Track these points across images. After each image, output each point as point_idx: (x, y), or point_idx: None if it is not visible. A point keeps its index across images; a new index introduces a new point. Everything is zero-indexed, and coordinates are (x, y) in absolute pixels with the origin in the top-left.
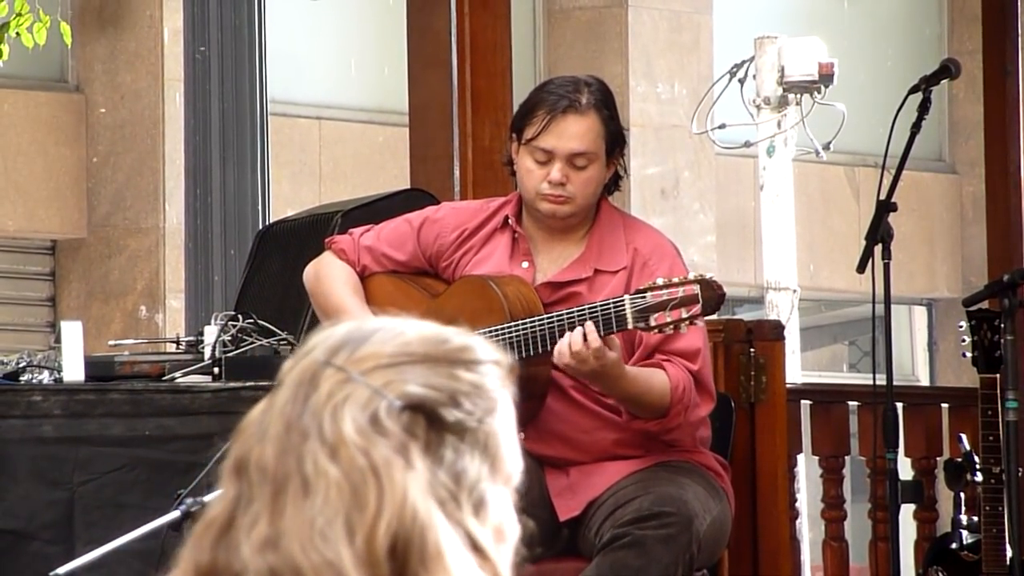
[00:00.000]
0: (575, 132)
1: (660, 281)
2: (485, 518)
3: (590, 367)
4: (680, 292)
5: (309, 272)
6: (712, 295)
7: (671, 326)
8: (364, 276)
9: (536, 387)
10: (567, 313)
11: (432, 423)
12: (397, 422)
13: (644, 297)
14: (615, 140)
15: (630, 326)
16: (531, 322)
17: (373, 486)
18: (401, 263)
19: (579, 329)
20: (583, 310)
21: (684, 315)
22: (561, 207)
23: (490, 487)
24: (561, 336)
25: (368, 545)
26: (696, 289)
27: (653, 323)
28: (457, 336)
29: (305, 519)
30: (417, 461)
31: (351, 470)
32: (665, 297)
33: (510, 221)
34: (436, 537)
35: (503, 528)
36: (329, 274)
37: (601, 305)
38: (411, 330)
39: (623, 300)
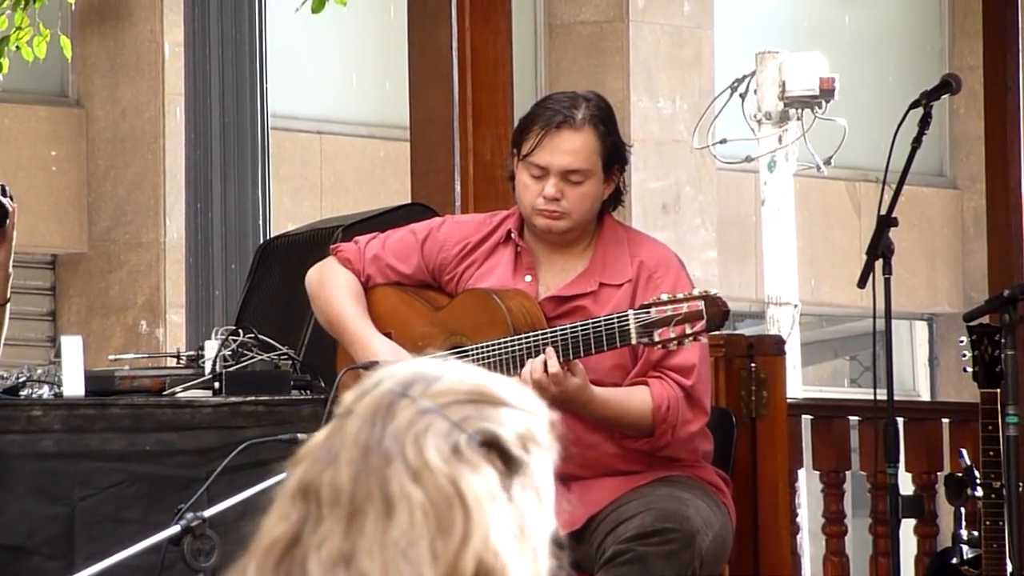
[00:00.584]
0: (568, 148)
1: (664, 296)
2: (540, 562)
3: (551, 394)
4: (684, 308)
5: (312, 276)
6: (716, 311)
7: (675, 342)
8: (368, 286)
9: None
10: (570, 327)
11: (505, 461)
12: (477, 454)
13: (648, 312)
14: (613, 156)
15: (633, 341)
16: (534, 336)
17: (460, 512)
18: (405, 275)
19: (541, 356)
20: (586, 324)
21: (688, 331)
22: (556, 222)
23: (541, 533)
24: (563, 350)
25: (452, 570)
26: (700, 305)
27: (657, 338)
28: (515, 386)
29: (387, 539)
30: (498, 493)
31: (437, 495)
32: (669, 312)
33: (513, 235)
34: (512, 571)
35: (547, 573)
36: (332, 281)
37: (605, 320)
38: (475, 373)
39: (627, 315)
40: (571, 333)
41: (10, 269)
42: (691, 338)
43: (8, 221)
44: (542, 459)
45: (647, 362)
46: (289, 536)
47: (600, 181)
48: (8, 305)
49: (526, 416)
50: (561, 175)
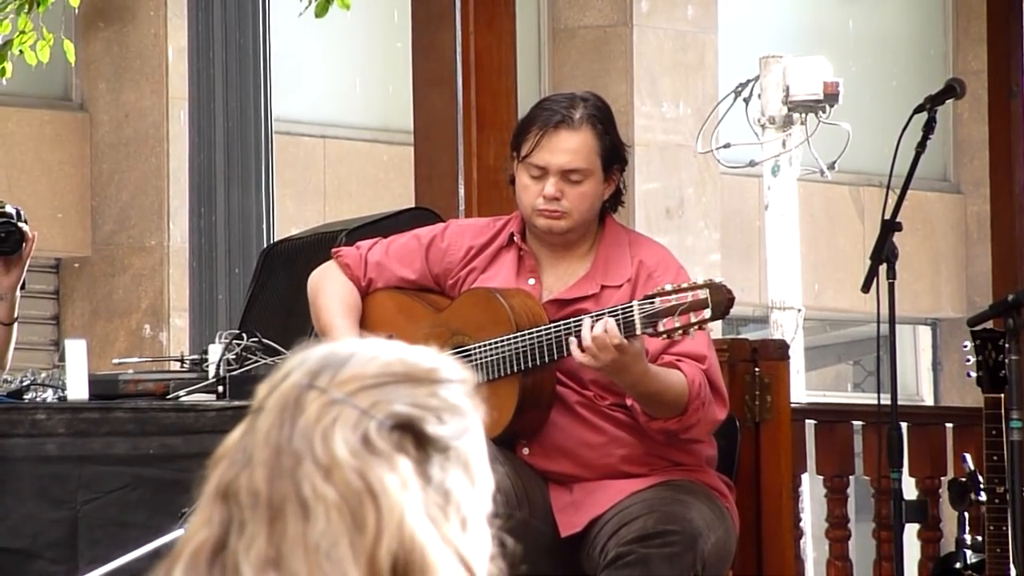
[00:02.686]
0: (567, 147)
1: (669, 287)
2: (470, 534)
3: (611, 357)
4: (689, 297)
5: (312, 280)
6: (721, 299)
7: (680, 331)
8: (368, 291)
9: (542, 397)
10: (574, 321)
11: (419, 442)
12: (388, 441)
13: (653, 302)
14: (612, 156)
15: (638, 331)
16: (537, 331)
17: (371, 508)
18: (409, 280)
19: (599, 323)
20: (591, 317)
21: (693, 320)
22: (557, 222)
23: (472, 504)
24: (568, 343)
25: (371, 567)
26: (705, 293)
27: (662, 328)
28: (429, 356)
29: (309, 541)
30: (410, 480)
31: (348, 492)
32: (674, 302)
33: (515, 239)
34: (432, 555)
35: (483, 544)
36: (327, 289)
37: (609, 311)
38: (386, 351)
39: (631, 305)
40: (575, 326)
41: (18, 293)
42: (696, 327)
43: (25, 246)
44: (465, 428)
45: (652, 356)
46: (215, 539)
47: (600, 181)
48: (15, 325)
49: (441, 386)
50: (560, 175)
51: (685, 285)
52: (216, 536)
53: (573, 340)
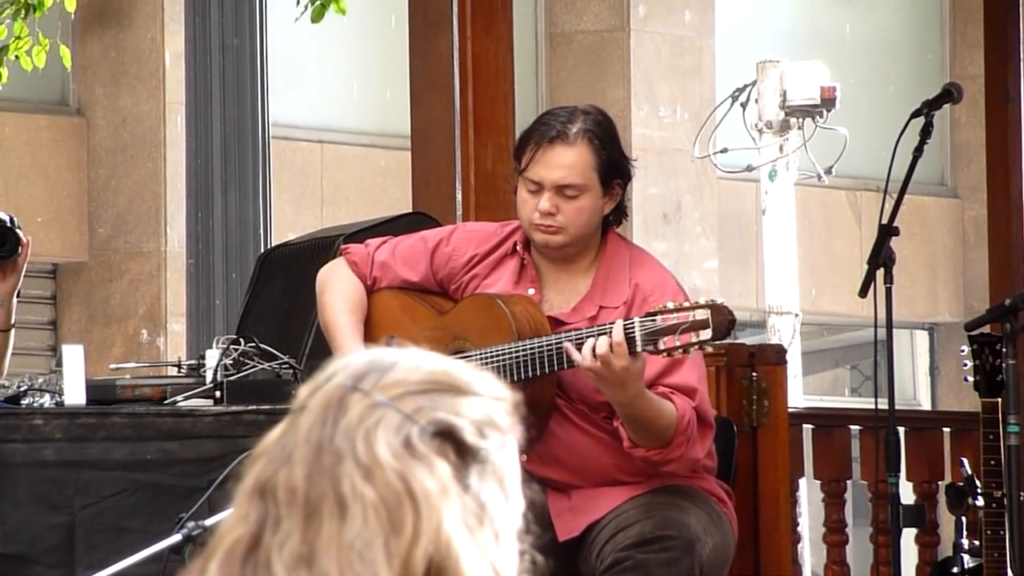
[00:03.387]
0: (561, 163)
1: (671, 304)
2: (502, 547)
3: (617, 368)
4: (690, 316)
5: (320, 277)
6: (722, 320)
7: (680, 350)
8: (373, 290)
9: (541, 407)
10: (575, 333)
11: (459, 450)
12: (429, 446)
13: (654, 320)
14: (611, 171)
15: (639, 348)
16: (538, 342)
17: (410, 510)
18: (413, 282)
19: (607, 336)
20: (591, 331)
21: (693, 340)
22: (553, 237)
23: (505, 518)
24: (568, 357)
25: (404, 569)
26: (706, 314)
27: (662, 346)
28: (472, 371)
29: (343, 540)
30: (449, 485)
31: (388, 493)
32: (675, 321)
33: (518, 248)
34: (466, 562)
35: (513, 559)
36: (334, 286)
37: (611, 326)
38: (431, 361)
39: (633, 322)
40: (576, 339)
41: (14, 301)
42: (696, 347)
43: (20, 252)
44: (503, 444)
45: (646, 383)
46: (250, 536)
47: (598, 196)
48: (12, 331)
49: (484, 401)
50: (555, 190)
51: (687, 304)
52: (252, 533)
53: (588, 343)
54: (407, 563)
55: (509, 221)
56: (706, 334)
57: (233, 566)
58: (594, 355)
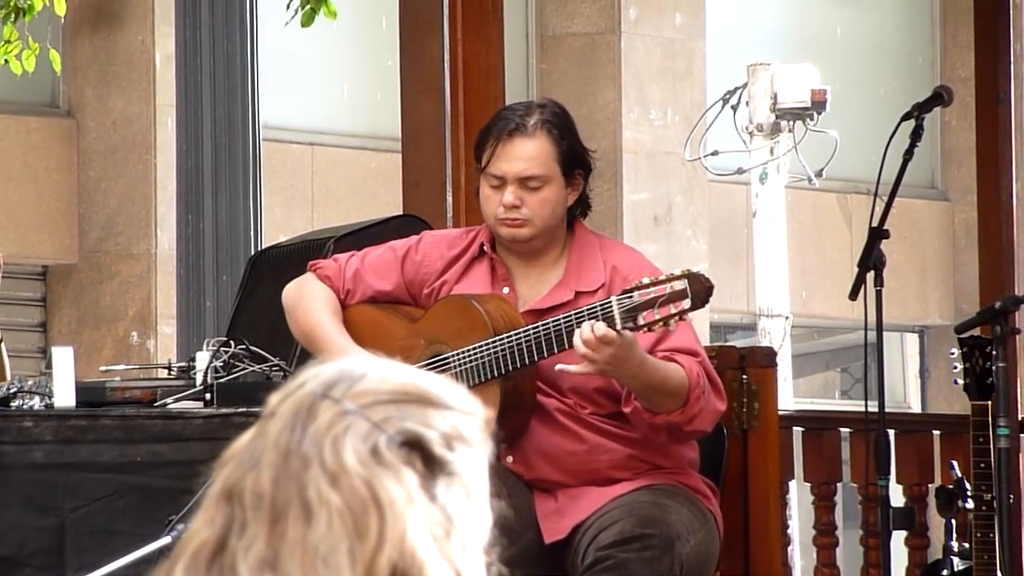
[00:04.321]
0: (521, 154)
1: (647, 279)
2: (468, 559)
3: (604, 358)
4: (667, 288)
5: (290, 291)
6: (700, 288)
7: (660, 323)
8: (346, 303)
9: (524, 400)
10: (552, 322)
11: (427, 461)
12: (396, 455)
13: (631, 297)
14: (571, 161)
15: (619, 327)
16: (515, 334)
17: (375, 517)
18: (384, 292)
19: (590, 323)
20: (568, 316)
21: (673, 311)
22: (519, 230)
23: (472, 531)
24: (547, 344)
25: (369, 575)
26: (683, 284)
27: (642, 322)
28: (444, 384)
29: (307, 544)
30: (416, 495)
31: (353, 499)
32: (653, 294)
33: (486, 249)
34: (431, 571)
35: (480, 572)
36: (310, 294)
37: (588, 309)
38: (403, 373)
39: (610, 301)
40: (553, 327)
41: None
42: (676, 318)
43: None
44: (471, 457)
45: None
46: (216, 539)
47: (561, 186)
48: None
49: (454, 415)
50: (518, 182)
51: (663, 277)
52: (217, 536)
53: (577, 332)
54: (371, 569)
55: (472, 227)
56: (685, 303)
57: (199, 569)
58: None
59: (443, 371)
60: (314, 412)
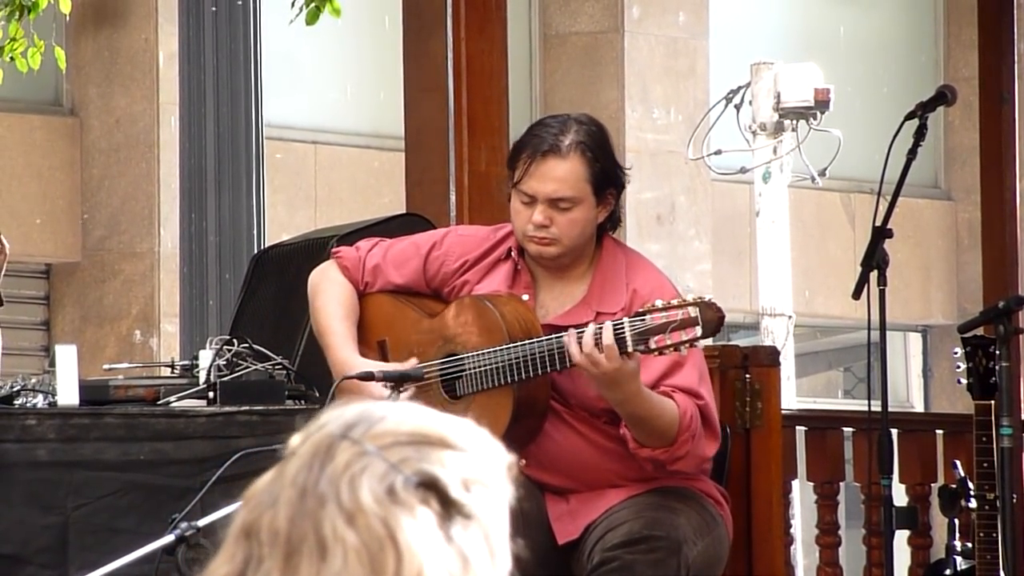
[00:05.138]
0: (554, 176)
1: (659, 303)
2: None
3: (604, 370)
4: (679, 315)
5: (312, 280)
6: (712, 317)
7: (671, 348)
8: (364, 293)
9: (536, 406)
10: (565, 335)
11: (444, 503)
12: (413, 495)
13: (643, 319)
14: (604, 181)
15: (629, 348)
16: (530, 343)
17: (392, 555)
18: (404, 286)
19: (592, 328)
20: (582, 332)
21: (684, 338)
22: (547, 248)
23: (488, 574)
24: (559, 358)
25: None
26: (695, 312)
27: (653, 345)
28: (466, 427)
29: None
30: (432, 535)
31: (370, 538)
32: (664, 320)
33: (512, 254)
34: None
35: None
36: (327, 291)
37: (598, 327)
38: (423, 414)
39: (622, 322)
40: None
41: None
42: (687, 344)
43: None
44: (490, 499)
45: (648, 385)
46: (235, 575)
47: (592, 206)
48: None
49: (473, 457)
50: (549, 202)
51: (675, 302)
52: (237, 572)
53: (576, 337)
54: None
55: (502, 224)
56: (696, 331)
57: None
58: (581, 350)
59: (457, 372)
60: (332, 452)
